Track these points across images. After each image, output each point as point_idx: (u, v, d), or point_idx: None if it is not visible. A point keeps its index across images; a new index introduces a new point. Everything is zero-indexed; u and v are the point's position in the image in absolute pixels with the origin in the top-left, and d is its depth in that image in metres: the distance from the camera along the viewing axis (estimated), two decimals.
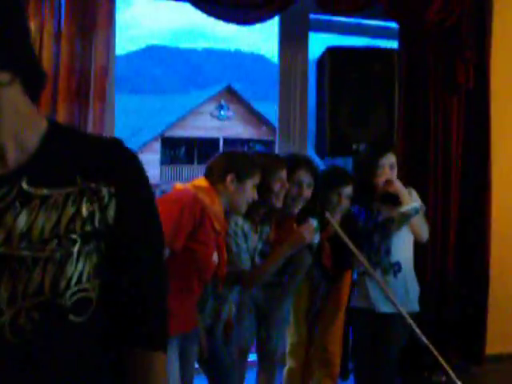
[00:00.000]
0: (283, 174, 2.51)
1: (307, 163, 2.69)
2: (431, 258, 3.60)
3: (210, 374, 2.64)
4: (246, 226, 2.51)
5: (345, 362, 3.33)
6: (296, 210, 2.68)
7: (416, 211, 2.80)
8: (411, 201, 2.82)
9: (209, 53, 70.99)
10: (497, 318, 3.93)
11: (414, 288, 2.97)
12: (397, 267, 2.88)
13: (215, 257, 2.21)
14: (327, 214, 2.40)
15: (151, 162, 20.94)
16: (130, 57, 60.70)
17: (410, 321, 2.03)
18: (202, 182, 2.25)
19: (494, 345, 3.96)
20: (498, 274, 3.90)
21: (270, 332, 2.82)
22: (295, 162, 2.65)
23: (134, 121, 22.09)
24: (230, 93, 22.89)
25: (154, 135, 21.70)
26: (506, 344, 4.09)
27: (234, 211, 2.33)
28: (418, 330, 2.00)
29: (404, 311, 2.12)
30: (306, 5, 3.49)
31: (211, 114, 22.54)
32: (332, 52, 3.22)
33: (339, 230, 2.33)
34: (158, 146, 21.86)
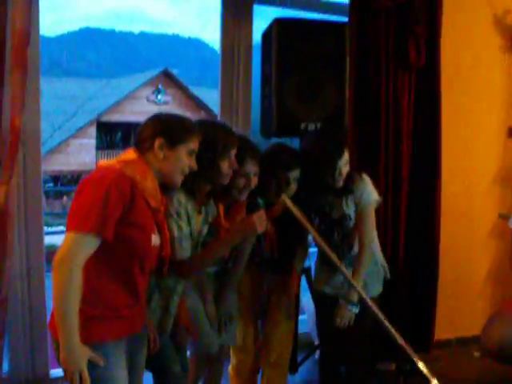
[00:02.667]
0: (233, 152, 2.27)
1: (253, 151, 2.45)
2: (382, 240, 3.45)
3: (157, 379, 2.38)
4: (190, 206, 2.23)
5: (294, 355, 3.17)
6: (243, 199, 2.47)
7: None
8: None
9: (145, 36, 69.53)
10: (445, 303, 3.88)
11: (379, 269, 2.83)
12: None
13: (155, 239, 1.91)
14: (283, 196, 2.19)
15: (86, 146, 20.33)
16: (64, 39, 58.77)
17: (377, 310, 1.90)
18: (129, 154, 1.90)
19: (442, 330, 3.92)
20: (448, 260, 3.85)
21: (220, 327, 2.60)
22: (241, 154, 2.38)
23: (68, 105, 21.36)
24: (167, 77, 22.36)
25: (89, 120, 20.98)
26: (453, 330, 4.07)
27: (167, 183, 1.99)
28: (382, 318, 1.87)
29: (368, 299, 1.99)
30: None
31: (148, 99, 21.97)
32: (280, 23, 2.98)
33: (298, 213, 2.13)
34: (93, 130, 21.14)
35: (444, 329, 3.94)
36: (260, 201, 2.59)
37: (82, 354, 1.71)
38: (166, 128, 1.93)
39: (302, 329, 3.32)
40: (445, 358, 3.85)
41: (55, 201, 19.54)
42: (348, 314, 2.65)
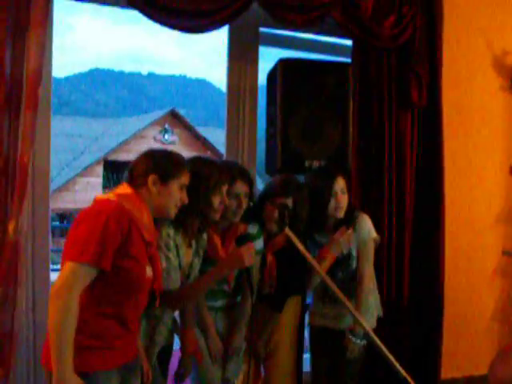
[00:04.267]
0: (225, 188, 2.35)
1: (242, 173, 2.55)
2: (386, 279, 3.48)
3: None
4: (179, 239, 2.29)
5: None
6: (237, 220, 2.55)
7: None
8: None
9: (153, 77, 70.58)
10: (451, 342, 3.84)
11: (376, 303, 2.90)
12: None
13: (148, 271, 1.96)
14: (287, 230, 2.22)
15: (93, 185, 20.44)
16: (74, 80, 59.70)
17: (375, 337, 1.92)
18: (124, 189, 1.98)
19: (449, 370, 3.87)
20: (452, 299, 3.83)
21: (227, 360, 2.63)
22: (230, 175, 2.47)
23: (76, 144, 21.62)
24: (174, 117, 22.63)
25: (96, 158, 21.18)
26: (460, 369, 4.02)
27: (161, 216, 2.08)
28: (383, 347, 1.88)
29: (368, 328, 2.02)
30: (257, 18, 3.37)
31: (155, 138, 22.15)
32: (284, 64, 3.08)
33: (301, 247, 2.15)
34: (100, 169, 21.32)
35: (450, 368, 3.89)
36: (253, 230, 2.62)
37: None
38: (158, 165, 2.01)
39: (306, 367, 3.29)
40: None
41: (61, 239, 19.55)
42: (355, 346, 2.69)
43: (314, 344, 3.00)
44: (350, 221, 2.79)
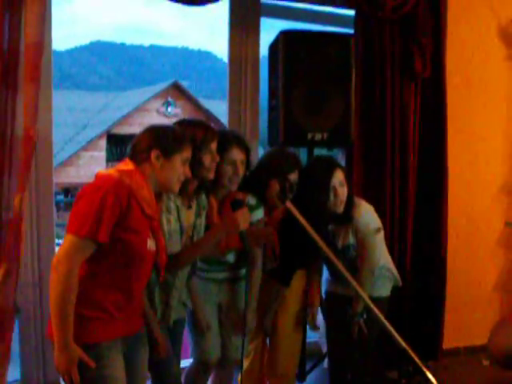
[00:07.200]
0: (214, 146, 2.34)
1: (237, 140, 2.55)
2: (389, 249, 3.49)
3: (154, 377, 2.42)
4: (179, 201, 2.33)
5: (302, 364, 3.17)
6: (234, 189, 2.55)
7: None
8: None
9: (155, 49, 69.95)
10: (453, 312, 3.88)
11: (385, 273, 2.88)
12: None
13: (151, 244, 2.01)
14: (288, 203, 2.22)
15: (96, 159, 20.44)
16: (74, 53, 59.23)
17: (372, 305, 1.96)
18: (126, 164, 2.01)
19: (451, 339, 3.92)
20: (455, 269, 3.86)
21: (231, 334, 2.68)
22: (226, 141, 2.48)
23: (78, 118, 21.55)
24: (177, 89, 22.46)
25: (99, 132, 21.12)
26: (462, 338, 4.06)
27: (165, 191, 2.13)
28: (383, 319, 1.91)
29: (366, 296, 2.08)
30: None
31: (158, 111, 22.04)
32: (286, 35, 3.04)
33: (303, 220, 2.14)
34: (103, 143, 21.28)
35: (453, 337, 3.94)
36: (252, 201, 2.63)
37: (73, 354, 1.80)
38: (161, 140, 2.03)
39: (310, 337, 3.33)
40: (454, 367, 3.84)
41: (66, 213, 19.66)
42: (355, 325, 2.73)
43: (328, 311, 3.04)
44: (348, 213, 2.77)
